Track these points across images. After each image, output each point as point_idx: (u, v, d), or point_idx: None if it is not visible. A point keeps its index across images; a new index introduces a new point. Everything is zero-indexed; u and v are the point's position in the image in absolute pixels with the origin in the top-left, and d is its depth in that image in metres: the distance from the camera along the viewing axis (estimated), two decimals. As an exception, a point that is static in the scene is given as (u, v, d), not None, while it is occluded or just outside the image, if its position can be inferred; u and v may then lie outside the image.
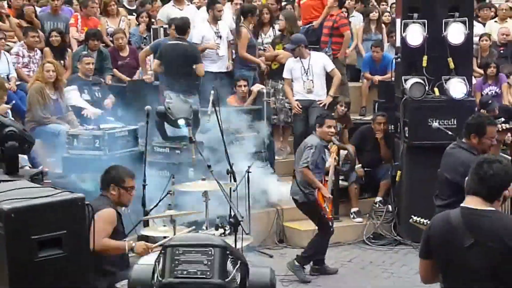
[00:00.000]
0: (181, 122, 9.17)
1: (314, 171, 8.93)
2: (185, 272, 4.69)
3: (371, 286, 8.85)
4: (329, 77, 11.32)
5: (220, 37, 11.99)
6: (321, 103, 11.13)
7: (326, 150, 9.22)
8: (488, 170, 4.25)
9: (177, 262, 4.72)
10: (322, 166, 9.12)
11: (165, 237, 7.27)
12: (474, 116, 7.28)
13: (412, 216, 5.77)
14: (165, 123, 9.59)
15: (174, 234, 6.92)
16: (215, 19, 11.95)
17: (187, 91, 10.53)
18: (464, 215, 4.27)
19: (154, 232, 7.38)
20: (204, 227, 7.76)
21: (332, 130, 9.22)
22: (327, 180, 9.18)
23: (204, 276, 4.59)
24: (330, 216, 9.04)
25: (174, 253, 4.78)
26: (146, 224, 7.92)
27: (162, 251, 4.78)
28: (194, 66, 11.05)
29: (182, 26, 11.17)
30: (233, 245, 6.93)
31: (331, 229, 9.09)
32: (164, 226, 7.25)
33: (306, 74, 11.23)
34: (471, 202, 4.29)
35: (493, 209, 4.26)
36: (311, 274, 9.16)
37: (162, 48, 11.20)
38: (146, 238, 7.26)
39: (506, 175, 4.30)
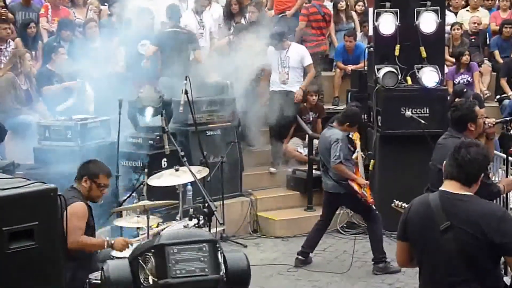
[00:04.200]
0: (149, 111, 9.14)
1: (345, 163, 8.93)
2: (184, 271, 4.66)
3: (344, 276, 8.88)
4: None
5: (203, 27, 11.95)
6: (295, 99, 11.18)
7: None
8: (466, 155, 4.25)
9: (174, 262, 4.67)
10: (350, 157, 9.13)
11: (138, 228, 7.28)
12: (458, 107, 6.87)
13: (394, 201, 5.77)
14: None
15: (148, 224, 6.89)
16: (199, 9, 11.92)
17: None
18: (442, 199, 4.27)
19: (127, 223, 7.34)
20: (178, 217, 7.74)
21: None
22: (357, 168, 9.17)
23: (202, 273, 4.55)
24: (372, 200, 8.98)
25: (169, 252, 4.72)
26: (119, 215, 7.89)
27: (152, 250, 4.72)
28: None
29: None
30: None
31: (377, 213, 9.00)
32: (138, 217, 7.21)
33: (282, 65, 11.29)
34: (449, 186, 4.30)
35: (470, 193, 4.26)
36: (296, 266, 9.18)
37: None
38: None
39: (483, 160, 4.31)
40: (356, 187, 8.94)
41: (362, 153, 9.31)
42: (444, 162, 4.38)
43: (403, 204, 5.45)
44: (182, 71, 9.99)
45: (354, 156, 9.22)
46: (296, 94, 11.28)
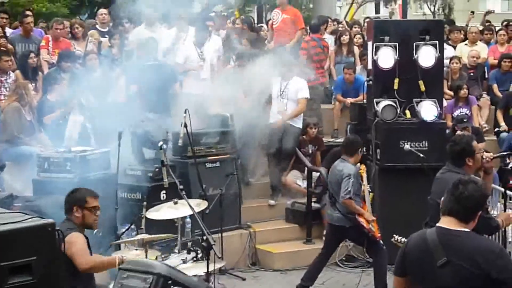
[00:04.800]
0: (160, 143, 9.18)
1: (354, 199, 8.94)
2: None
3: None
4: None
5: (204, 59, 12.01)
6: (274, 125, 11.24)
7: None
8: (463, 191, 4.28)
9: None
10: (360, 192, 9.14)
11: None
12: (456, 141, 6.85)
13: (394, 236, 5.77)
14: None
15: (146, 257, 6.88)
16: (200, 41, 11.98)
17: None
18: (439, 235, 4.29)
19: (126, 255, 7.32)
20: (176, 250, 7.73)
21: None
22: (364, 202, 9.17)
23: None
24: (379, 235, 8.95)
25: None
26: (117, 247, 7.87)
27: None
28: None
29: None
30: (205, 269, 6.91)
31: (383, 248, 8.96)
32: (136, 250, 7.19)
33: (281, 95, 11.34)
34: (446, 222, 4.32)
35: (467, 230, 4.28)
36: None
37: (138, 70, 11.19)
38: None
39: (481, 197, 4.33)
40: (363, 222, 8.93)
41: (368, 186, 9.29)
42: (442, 197, 4.40)
43: (403, 239, 5.46)
44: (165, 105, 10.06)
45: (362, 189, 9.23)
46: (276, 123, 11.30)
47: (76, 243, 6.31)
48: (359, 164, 9.36)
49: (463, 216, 4.28)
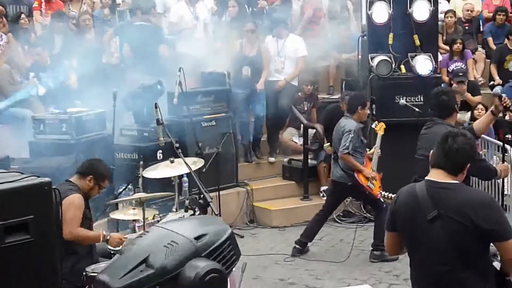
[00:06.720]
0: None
1: (354, 155, 8.93)
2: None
3: (341, 264, 8.91)
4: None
5: (197, 18, 11.92)
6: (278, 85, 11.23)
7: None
8: (453, 144, 4.27)
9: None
10: (362, 149, 9.10)
11: (134, 221, 7.29)
12: (444, 92, 7.09)
13: (381, 192, 5.80)
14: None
15: (144, 216, 6.91)
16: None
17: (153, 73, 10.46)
18: (428, 188, 4.29)
19: (124, 215, 7.37)
20: (174, 209, 7.75)
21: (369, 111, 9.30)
22: (369, 161, 9.16)
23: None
24: (378, 193, 8.85)
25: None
26: (115, 207, 7.89)
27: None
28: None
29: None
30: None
31: (384, 205, 8.84)
32: (133, 209, 7.22)
33: (279, 54, 11.31)
34: (435, 175, 4.31)
35: (457, 182, 4.28)
36: (293, 255, 9.20)
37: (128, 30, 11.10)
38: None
39: (470, 149, 4.33)
40: (362, 178, 8.93)
41: (379, 150, 9.24)
42: (431, 151, 4.39)
43: (390, 195, 5.47)
44: (153, 67, 10.04)
45: (371, 151, 9.22)
46: (278, 84, 11.30)
47: (69, 210, 6.34)
48: (377, 122, 9.34)
49: (452, 169, 4.27)
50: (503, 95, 6.92)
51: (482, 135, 10.16)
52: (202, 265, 4.35)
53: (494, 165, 7.27)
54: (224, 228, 4.71)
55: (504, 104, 6.76)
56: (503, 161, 7.32)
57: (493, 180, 9.16)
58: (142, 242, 4.57)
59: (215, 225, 4.78)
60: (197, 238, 4.48)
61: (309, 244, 9.33)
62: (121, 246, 6.44)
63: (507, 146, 9.73)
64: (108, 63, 11.43)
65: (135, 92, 9.62)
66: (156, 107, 7.16)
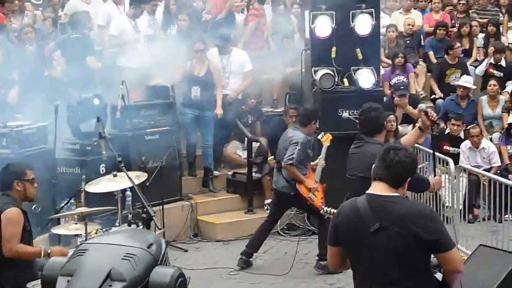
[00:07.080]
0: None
1: (298, 166, 8.96)
2: None
3: (286, 277, 8.91)
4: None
5: (139, 31, 11.86)
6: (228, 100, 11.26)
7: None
8: (394, 157, 4.32)
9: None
10: (306, 161, 9.13)
11: (76, 236, 7.19)
12: (373, 108, 7.18)
13: (323, 207, 5.82)
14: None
15: (86, 231, 6.82)
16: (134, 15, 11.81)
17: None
18: (369, 201, 4.32)
19: (66, 230, 7.25)
20: (117, 223, 7.67)
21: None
22: (314, 169, 9.18)
23: None
24: (319, 204, 8.90)
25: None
26: (57, 222, 7.78)
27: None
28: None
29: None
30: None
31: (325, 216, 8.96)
32: (75, 224, 7.12)
33: (224, 70, 11.32)
34: (377, 188, 4.35)
35: (397, 194, 4.32)
36: (239, 266, 9.21)
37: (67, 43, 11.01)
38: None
39: (411, 163, 4.38)
40: (303, 189, 8.98)
41: (324, 161, 9.28)
42: (373, 165, 4.43)
43: (332, 210, 5.50)
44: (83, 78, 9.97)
45: (315, 162, 9.25)
46: (228, 96, 11.32)
47: (7, 226, 6.25)
48: (323, 133, 9.39)
49: (393, 182, 4.32)
50: (429, 110, 7.02)
51: (424, 148, 10.43)
52: (170, 271, 4.57)
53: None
54: (157, 235, 5.03)
55: (432, 119, 6.88)
56: (435, 174, 7.41)
57: (434, 193, 9.29)
58: (91, 260, 4.55)
59: (147, 233, 5.20)
60: (149, 247, 4.67)
61: (253, 257, 9.32)
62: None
63: (449, 159, 9.92)
64: (50, 76, 11.28)
65: (70, 106, 9.52)
66: (98, 121, 7.10)
